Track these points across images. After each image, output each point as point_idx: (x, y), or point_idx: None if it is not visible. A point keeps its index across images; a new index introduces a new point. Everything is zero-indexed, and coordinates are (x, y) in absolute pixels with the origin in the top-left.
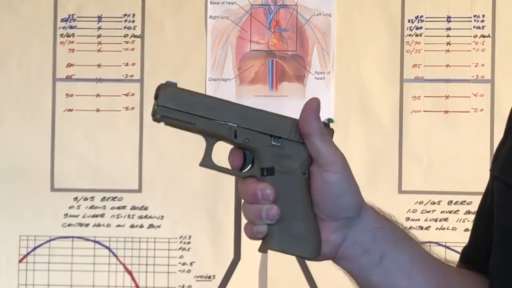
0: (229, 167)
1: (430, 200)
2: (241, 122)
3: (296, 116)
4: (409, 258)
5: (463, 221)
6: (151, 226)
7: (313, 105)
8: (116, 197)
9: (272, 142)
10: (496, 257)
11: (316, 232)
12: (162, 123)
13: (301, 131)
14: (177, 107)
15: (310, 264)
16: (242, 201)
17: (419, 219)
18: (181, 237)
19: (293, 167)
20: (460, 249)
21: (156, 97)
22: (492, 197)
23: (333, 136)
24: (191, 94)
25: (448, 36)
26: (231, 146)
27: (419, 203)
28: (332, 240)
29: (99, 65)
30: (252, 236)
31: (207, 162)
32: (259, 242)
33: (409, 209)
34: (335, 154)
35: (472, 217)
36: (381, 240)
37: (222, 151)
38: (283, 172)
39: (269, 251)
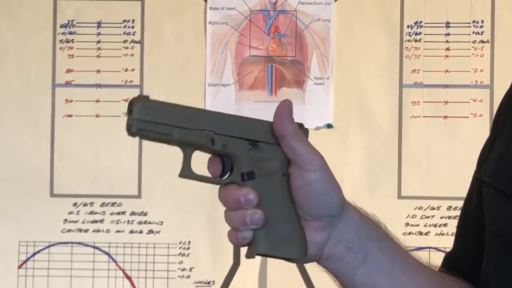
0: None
1: (429, 206)
2: (218, 129)
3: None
4: (391, 258)
5: None
6: (150, 231)
7: (285, 107)
8: (115, 203)
9: (249, 146)
10: (490, 262)
11: (301, 233)
12: (138, 137)
13: (276, 134)
14: (152, 119)
15: (310, 269)
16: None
17: (418, 225)
18: (180, 242)
19: (273, 169)
20: None
21: (130, 111)
22: (478, 202)
23: (308, 136)
24: (166, 105)
25: (447, 41)
26: (209, 156)
27: (419, 209)
28: (317, 239)
29: (98, 71)
30: (238, 243)
31: (187, 172)
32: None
33: (409, 215)
34: (312, 153)
35: None
36: (364, 238)
37: (199, 161)
38: (264, 175)
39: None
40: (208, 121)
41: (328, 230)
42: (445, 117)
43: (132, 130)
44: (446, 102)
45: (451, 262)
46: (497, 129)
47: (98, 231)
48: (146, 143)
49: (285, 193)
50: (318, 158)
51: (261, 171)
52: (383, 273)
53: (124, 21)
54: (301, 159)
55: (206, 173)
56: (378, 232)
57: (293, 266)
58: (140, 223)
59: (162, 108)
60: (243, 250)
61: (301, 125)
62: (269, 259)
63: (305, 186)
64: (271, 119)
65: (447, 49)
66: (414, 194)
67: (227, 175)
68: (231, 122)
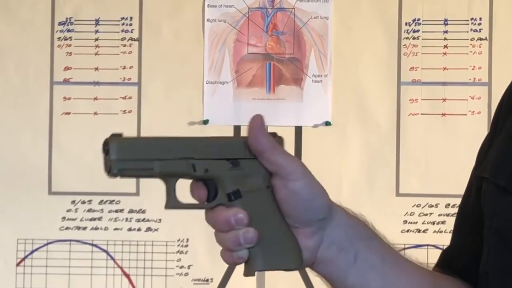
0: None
1: (427, 203)
2: (197, 154)
3: (293, 118)
4: (381, 257)
5: None
6: (148, 229)
7: (257, 122)
8: (113, 201)
9: (230, 165)
10: (490, 259)
11: (294, 242)
12: (119, 177)
13: (253, 151)
14: (131, 157)
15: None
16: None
17: (416, 222)
18: (178, 240)
19: (257, 184)
20: None
21: (106, 152)
22: (477, 198)
23: (283, 144)
24: (141, 140)
25: (445, 39)
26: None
27: (417, 206)
28: (310, 245)
29: (96, 68)
30: (234, 262)
31: (172, 203)
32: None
33: (407, 212)
34: (293, 162)
35: None
36: (353, 238)
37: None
38: (249, 192)
39: None
40: (186, 148)
41: (319, 234)
42: (443, 114)
43: (112, 172)
44: (444, 100)
45: (448, 259)
46: (497, 125)
47: (96, 228)
48: None
49: (272, 206)
50: (299, 166)
51: (245, 188)
52: (373, 272)
53: (122, 18)
54: (283, 170)
55: (188, 198)
56: (366, 231)
57: None
58: (138, 220)
59: (138, 144)
60: None
61: (274, 135)
62: None
63: (291, 195)
64: (268, 116)
65: (445, 46)
66: (412, 191)
67: (213, 198)
68: (208, 145)
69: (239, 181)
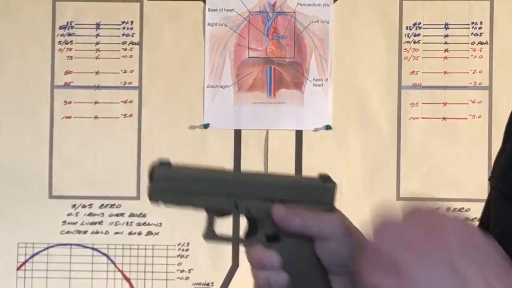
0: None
1: None
2: (240, 192)
3: (293, 122)
4: None
5: None
6: (149, 233)
7: (280, 216)
8: (114, 204)
9: (272, 209)
10: None
11: None
12: (162, 205)
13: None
14: (173, 187)
15: None
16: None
17: None
18: (179, 244)
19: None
20: None
21: (150, 178)
22: (488, 208)
23: (336, 188)
24: (186, 171)
25: (446, 43)
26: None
27: None
28: None
29: (97, 72)
30: None
31: (211, 236)
32: None
33: None
34: (331, 225)
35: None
36: None
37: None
38: (288, 237)
39: None
40: (230, 186)
41: (352, 281)
42: (444, 118)
43: (154, 199)
44: (445, 104)
45: None
46: (508, 135)
47: (97, 232)
48: (144, 144)
49: (310, 256)
50: (338, 227)
51: (285, 233)
52: None
53: (123, 22)
54: (320, 236)
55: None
56: None
57: None
58: (139, 224)
59: (182, 174)
60: (242, 251)
61: (327, 178)
62: None
63: (330, 254)
64: (269, 120)
65: (446, 50)
66: (413, 195)
67: (252, 235)
68: (253, 183)
69: (270, 223)
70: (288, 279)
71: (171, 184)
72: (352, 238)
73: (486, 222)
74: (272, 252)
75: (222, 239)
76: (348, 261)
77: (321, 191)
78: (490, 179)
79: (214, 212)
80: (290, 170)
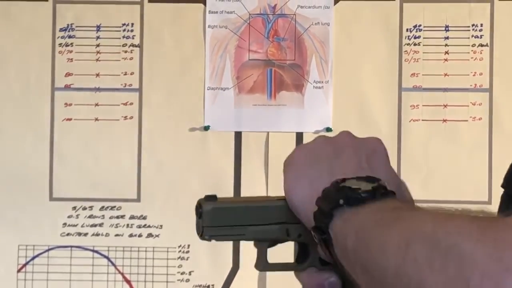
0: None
1: None
2: (290, 218)
3: (293, 124)
4: None
5: None
6: (150, 235)
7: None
8: (114, 206)
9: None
10: None
11: None
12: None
13: None
14: (224, 223)
15: None
16: None
17: None
18: (180, 246)
19: None
20: None
21: (199, 215)
22: None
23: None
24: (234, 204)
25: (446, 45)
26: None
27: None
28: None
29: (97, 75)
30: None
31: (263, 266)
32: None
33: None
34: None
35: None
36: None
37: None
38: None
39: None
40: (280, 213)
41: None
42: (444, 120)
43: (204, 237)
44: (445, 106)
45: None
46: None
47: (97, 234)
48: (144, 146)
49: None
50: None
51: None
52: None
53: (124, 24)
54: None
55: None
56: None
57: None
58: (139, 226)
59: (230, 209)
60: (243, 253)
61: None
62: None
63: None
64: (269, 122)
65: (446, 52)
66: (414, 197)
67: (304, 259)
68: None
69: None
70: None
71: (220, 220)
72: None
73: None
74: (331, 273)
75: (276, 268)
76: None
77: None
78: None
79: (265, 242)
80: None
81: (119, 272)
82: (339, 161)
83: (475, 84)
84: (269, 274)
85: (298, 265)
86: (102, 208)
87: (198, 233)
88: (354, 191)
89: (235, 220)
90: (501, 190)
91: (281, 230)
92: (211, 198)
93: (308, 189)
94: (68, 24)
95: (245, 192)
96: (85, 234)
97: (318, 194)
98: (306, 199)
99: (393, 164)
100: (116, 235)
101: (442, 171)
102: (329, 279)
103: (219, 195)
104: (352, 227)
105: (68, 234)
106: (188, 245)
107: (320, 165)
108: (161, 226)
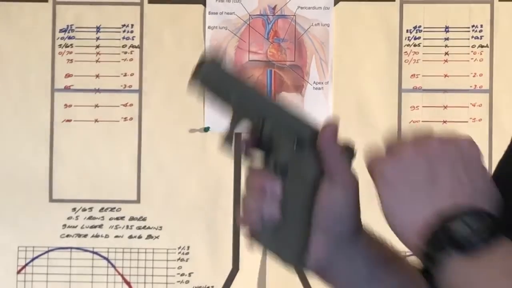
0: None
1: None
2: (272, 116)
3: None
4: (393, 274)
5: None
6: (149, 236)
7: (331, 129)
8: (114, 208)
9: (295, 145)
10: None
11: (306, 243)
12: (199, 85)
13: (319, 148)
14: (219, 77)
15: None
16: (244, 192)
17: None
18: (179, 247)
19: (307, 174)
20: None
21: (200, 64)
22: None
23: (354, 157)
24: (235, 73)
25: (446, 46)
26: None
27: None
28: (322, 253)
29: (97, 76)
30: (244, 227)
31: (228, 139)
32: (257, 252)
33: None
34: (348, 176)
35: None
36: (371, 262)
37: None
38: (296, 176)
39: None
40: (266, 105)
41: (337, 246)
42: (445, 121)
43: (199, 77)
44: (445, 107)
45: None
46: None
47: (97, 236)
48: (144, 147)
49: (308, 201)
50: (353, 182)
51: (294, 171)
52: None
53: (123, 25)
54: (336, 177)
55: None
56: (387, 257)
57: (292, 272)
58: (139, 228)
59: (232, 74)
60: (243, 255)
61: (349, 148)
62: (269, 263)
63: (331, 201)
64: None
65: (446, 53)
66: None
67: (266, 158)
68: (287, 115)
69: (293, 162)
70: (279, 214)
71: (219, 74)
72: (355, 199)
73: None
74: (277, 182)
75: (230, 147)
76: (342, 219)
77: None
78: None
79: (239, 118)
80: None
81: (119, 274)
82: (437, 185)
83: (475, 85)
84: (269, 277)
85: (250, 160)
86: (101, 210)
87: (194, 76)
88: (464, 237)
89: (229, 83)
90: None
91: (259, 117)
92: (216, 60)
93: (410, 215)
94: (68, 25)
95: None
96: (85, 236)
97: (420, 221)
98: (408, 224)
99: None
100: (116, 236)
101: None
102: (274, 187)
103: (219, 197)
104: (466, 278)
105: (68, 236)
106: (188, 247)
107: (418, 190)
108: (160, 227)
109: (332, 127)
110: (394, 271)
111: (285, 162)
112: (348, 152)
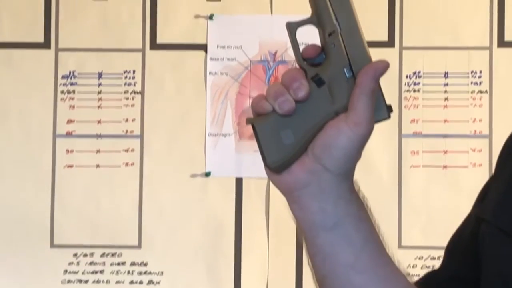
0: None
1: (430, 256)
2: (344, 31)
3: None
4: (364, 240)
5: None
6: (150, 282)
7: (378, 66)
8: (115, 253)
9: (345, 70)
10: None
11: (294, 155)
12: None
13: (357, 78)
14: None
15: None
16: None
17: (419, 275)
18: None
19: (335, 101)
20: None
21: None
22: (476, 228)
23: (388, 116)
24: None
25: (445, 91)
26: None
27: (419, 259)
28: (299, 175)
29: (99, 121)
30: (254, 106)
31: (294, 26)
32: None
33: (409, 264)
34: (364, 120)
35: None
36: (342, 210)
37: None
38: (325, 96)
39: None
40: (345, 20)
41: (315, 177)
42: (445, 166)
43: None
44: (445, 152)
45: (431, 281)
46: (498, 169)
47: (98, 282)
48: (146, 193)
49: (318, 123)
50: (363, 129)
51: (327, 91)
52: (349, 249)
53: (125, 71)
54: (353, 116)
55: None
56: (361, 213)
57: None
58: (140, 273)
59: None
60: None
61: (389, 108)
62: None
63: (329, 136)
64: None
65: (446, 99)
66: (414, 244)
67: (311, 63)
68: (357, 40)
69: (332, 83)
70: (289, 111)
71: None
72: (358, 151)
73: (467, 238)
74: (308, 86)
75: (294, 40)
76: (333, 156)
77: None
78: (478, 209)
79: (314, 14)
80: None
81: None
82: None
83: (475, 131)
84: None
85: (304, 60)
86: (103, 255)
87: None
88: None
89: None
90: None
91: (332, 26)
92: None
93: None
94: (70, 71)
95: (245, 239)
96: (86, 281)
97: None
98: None
99: (394, 211)
100: (117, 282)
101: (443, 217)
102: (302, 87)
103: (220, 242)
104: None
105: (69, 281)
106: None
107: None
108: (162, 272)
109: (384, 63)
110: (362, 230)
111: (327, 77)
112: (385, 105)
